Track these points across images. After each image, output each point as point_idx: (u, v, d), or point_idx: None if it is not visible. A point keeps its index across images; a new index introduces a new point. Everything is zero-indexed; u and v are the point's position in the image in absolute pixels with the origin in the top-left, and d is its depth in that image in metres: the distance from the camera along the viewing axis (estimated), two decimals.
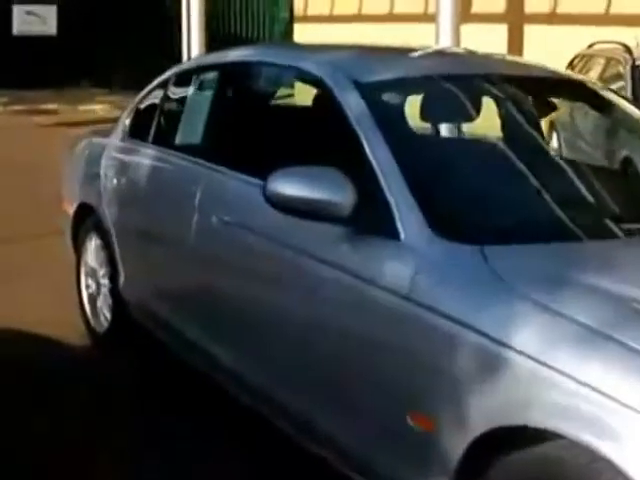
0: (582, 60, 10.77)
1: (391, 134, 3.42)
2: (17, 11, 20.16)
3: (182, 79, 5.16)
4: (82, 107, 18.10)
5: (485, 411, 2.68)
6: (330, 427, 3.39)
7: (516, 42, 14.54)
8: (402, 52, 4.62)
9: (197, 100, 4.79)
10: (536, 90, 4.24)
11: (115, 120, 5.62)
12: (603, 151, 6.96)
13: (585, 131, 7.66)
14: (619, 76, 9.28)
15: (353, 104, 3.55)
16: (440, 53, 4.96)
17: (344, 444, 3.33)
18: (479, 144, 3.91)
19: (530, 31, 14.55)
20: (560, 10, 14.44)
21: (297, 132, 3.98)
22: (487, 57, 4.51)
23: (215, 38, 16.73)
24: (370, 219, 3.19)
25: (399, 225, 3.12)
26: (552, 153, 3.81)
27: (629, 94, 8.64)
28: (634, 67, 8.99)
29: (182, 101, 5.03)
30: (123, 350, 5.24)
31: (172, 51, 16.51)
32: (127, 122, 5.35)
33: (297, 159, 3.40)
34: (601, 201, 3.52)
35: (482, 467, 2.69)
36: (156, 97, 5.28)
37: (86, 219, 5.48)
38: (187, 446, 4.14)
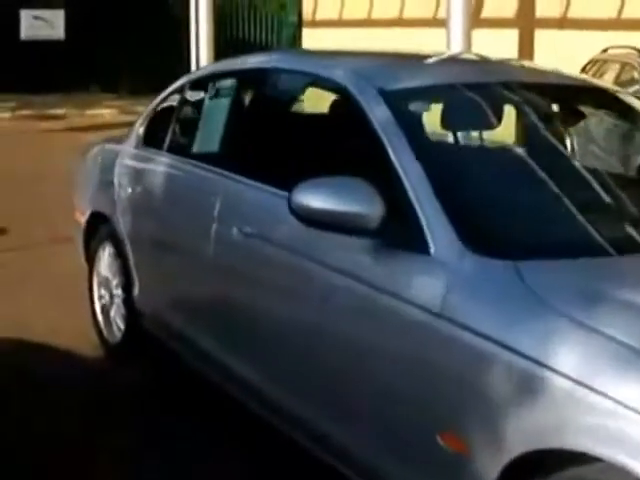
0: (595, 65, 10.71)
1: (418, 144, 3.34)
2: (25, 16, 20.12)
3: (197, 86, 5.10)
4: (90, 112, 18.09)
5: (520, 433, 2.60)
6: (354, 443, 3.32)
7: (527, 47, 14.45)
8: (423, 59, 4.54)
9: (214, 107, 4.71)
10: (562, 98, 4.17)
11: (123, 125, 5.58)
12: (618, 157, 6.88)
13: (598, 136, 7.58)
14: (634, 81, 9.23)
15: (378, 113, 3.47)
16: (462, 60, 4.88)
17: (368, 461, 3.25)
18: (507, 154, 3.82)
19: (541, 36, 14.46)
20: (571, 15, 14.37)
21: (320, 141, 3.91)
22: (510, 64, 4.44)
23: (223, 42, 16.69)
24: (398, 232, 3.11)
25: (429, 239, 3.04)
26: (579, 164, 3.71)
27: None
28: None
29: (198, 108, 4.94)
30: (136, 360, 5.18)
31: (181, 56, 16.46)
32: (141, 130, 5.28)
33: (320, 169, 3.32)
34: (632, 214, 3.43)
35: None
36: (171, 104, 5.21)
37: (99, 228, 5.41)
38: (187, 446, 4.14)
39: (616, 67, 10.01)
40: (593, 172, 3.61)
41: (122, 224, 5.09)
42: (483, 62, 4.53)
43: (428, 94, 3.88)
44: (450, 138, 3.97)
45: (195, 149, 4.77)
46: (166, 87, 5.37)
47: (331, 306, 3.41)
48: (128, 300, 5.09)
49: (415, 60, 4.59)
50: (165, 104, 5.29)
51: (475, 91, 3.85)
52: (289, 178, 3.37)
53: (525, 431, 2.59)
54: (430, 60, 4.36)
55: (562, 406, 2.51)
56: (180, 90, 5.19)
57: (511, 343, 2.65)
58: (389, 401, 3.12)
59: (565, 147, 4.05)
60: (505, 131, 4.06)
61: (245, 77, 4.65)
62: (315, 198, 3.15)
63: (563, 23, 14.24)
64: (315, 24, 19.16)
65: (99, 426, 4.41)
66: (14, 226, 8.19)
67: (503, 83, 4.00)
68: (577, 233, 3.17)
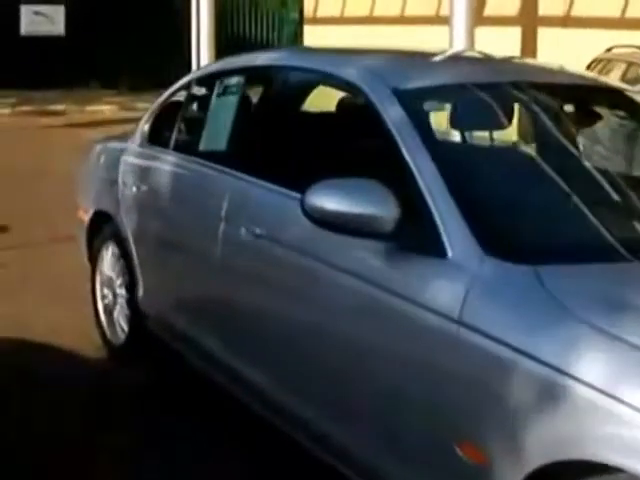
0: (600, 63, 10.65)
1: (434, 145, 3.28)
2: (25, 11, 20.09)
3: (204, 83, 5.01)
4: (90, 108, 18.03)
5: (542, 444, 2.54)
6: (368, 451, 3.25)
7: (530, 45, 14.40)
8: (430, 57, 4.48)
9: (222, 105, 4.62)
10: (574, 98, 4.09)
11: (123, 121, 5.53)
12: (623, 157, 6.83)
13: (604, 137, 7.52)
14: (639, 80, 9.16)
15: (392, 113, 3.40)
16: (473, 59, 4.81)
17: (383, 469, 3.18)
18: (522, 156, 3.75)
19: (544, 34, 14.40)
20: (574, 13, 14.33)
21: (331, 141, 3.84)
22: (522, 63, 4.37)
23: (224, 39, 16.63)
24: (413, 235, 3.03)
25: (445, 242, 2.96)
26: (593, 166, 3.64)
27: None
28: None
29: (205, 106, 4.85)
30: (139, 361, 5.12)
31: (181, 52, 16.42)
32: (146, 127, 5.20)
33: (332, 170, 3.24)
34: None
35: None
36: (177, 100, 5.13)
37: (102, 227, 5.33)
38: (187, 446, 4.12)
39: (621, 66, 9.95)
40: (608, 175, 3.54)
41: (126, 223, 5.02)
42: (494, 61, 4.47)
43: (441, 93, 3.81)
44: (458, 138, 3.90)
45: (202, 147, 4.68)
46: (166, 84, 5.30)
47: (341, 309, 3.34)
48: (132, 300, 5.02)
49: (425, 59, 4.51)
50: (171, 101, 5.21)
51: (487, 91, 3.78)
52: (299, 178, 3.31)
53: (546, 442, 2.52)
54: (440, 58, 4.29)
55: (584, 416, 2.45)
56: (186, 87, 5.10)
57: (532, 350, 2.59)
58: (397, 404, 3.06)
59: (578, 149, 3.99)
60: (515, 131, 4.00)
61: (254, 74, 4.58)
62: (329, 200, 3.07)
63: (566, 21, 14.19)
64: (316, 21, 19.12)
65: (99, 426, 4.38)
66: (15, 224, 8.12)
67: (514, 83, 3.93)
68: (597, 238, 3.09)
